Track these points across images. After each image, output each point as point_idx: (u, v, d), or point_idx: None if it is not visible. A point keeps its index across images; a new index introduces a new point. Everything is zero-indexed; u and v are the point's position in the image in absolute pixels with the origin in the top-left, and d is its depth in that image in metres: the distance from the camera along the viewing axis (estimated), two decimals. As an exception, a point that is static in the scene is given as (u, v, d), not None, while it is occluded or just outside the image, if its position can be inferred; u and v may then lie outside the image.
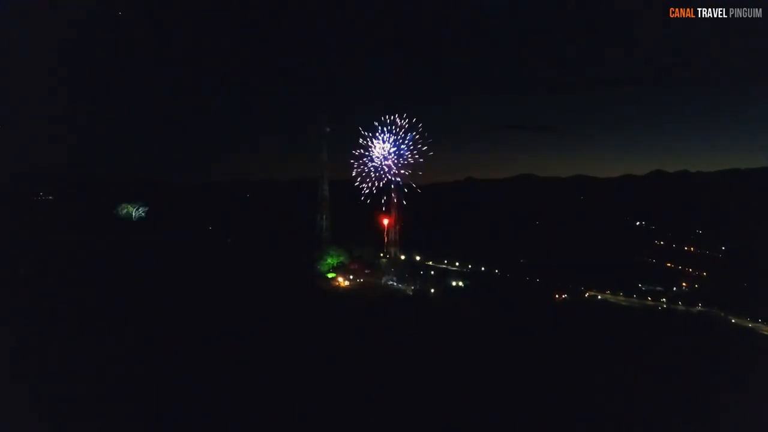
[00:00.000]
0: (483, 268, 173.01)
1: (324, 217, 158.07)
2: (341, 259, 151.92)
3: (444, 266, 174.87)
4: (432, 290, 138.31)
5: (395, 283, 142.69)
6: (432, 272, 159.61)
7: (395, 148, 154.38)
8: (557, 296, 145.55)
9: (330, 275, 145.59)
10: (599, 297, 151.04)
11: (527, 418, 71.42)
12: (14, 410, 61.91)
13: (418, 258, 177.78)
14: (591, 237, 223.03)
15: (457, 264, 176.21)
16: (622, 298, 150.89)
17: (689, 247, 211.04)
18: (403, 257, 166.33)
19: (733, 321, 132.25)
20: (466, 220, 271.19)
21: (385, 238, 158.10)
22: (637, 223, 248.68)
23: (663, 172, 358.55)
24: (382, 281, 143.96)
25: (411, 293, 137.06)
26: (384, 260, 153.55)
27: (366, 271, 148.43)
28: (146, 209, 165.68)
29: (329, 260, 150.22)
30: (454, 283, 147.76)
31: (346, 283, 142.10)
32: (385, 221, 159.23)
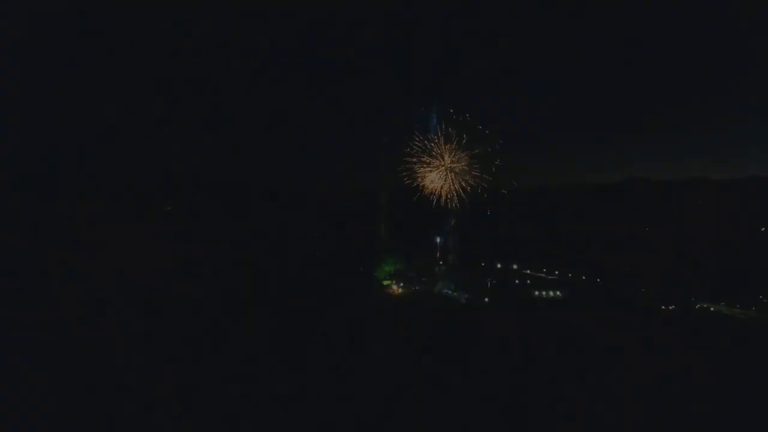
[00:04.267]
0: (584, 277, 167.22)
1: (383, 225, 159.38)
2: (398, 266, 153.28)
3: (543, 275, 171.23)
4: (486, 299, 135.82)
5: (450, 291, 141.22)
6: (517, 281, 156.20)
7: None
8: (663, 307, 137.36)
9: (386, 282, 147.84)
10: (712, 309, 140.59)
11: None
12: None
13: (515, 266, 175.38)
14: (707, 244, 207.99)
15: (556, 272, 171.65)
16: (738, 311, 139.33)
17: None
18: (487, 264, 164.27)
19: None
20: (572, 226, 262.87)
21: (439, 248, 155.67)
22: (763, 229, 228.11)
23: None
24: (435, 289, 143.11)
25: (464, 302, 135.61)
26: (443, 268, 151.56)
27: (423, 279, 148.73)
28: None
29: (386, 268, 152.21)
30: (546, 293, 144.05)
31: (400, 290, 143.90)
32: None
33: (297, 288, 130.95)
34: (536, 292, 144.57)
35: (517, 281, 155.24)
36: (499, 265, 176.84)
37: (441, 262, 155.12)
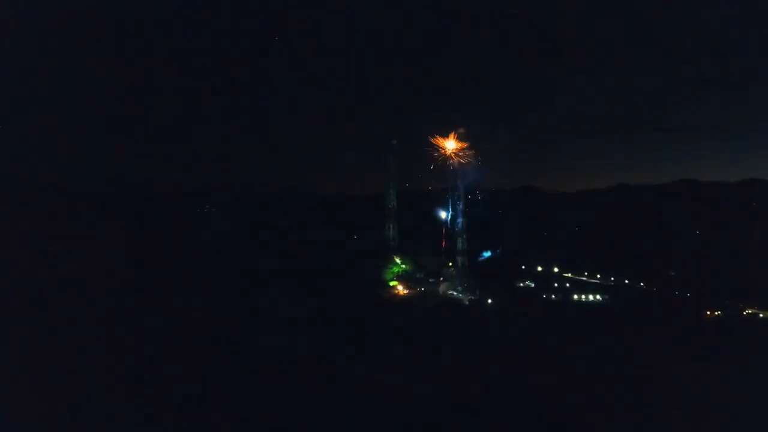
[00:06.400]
0: (627, 281, 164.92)
1: (391, 227, 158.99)
2: (406, 267, 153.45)
3: (584, 278, 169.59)
4: (489, 300, 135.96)
5: (454, 293, 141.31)
6: (557, 284, 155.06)
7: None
8: (708, 313, 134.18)
9: (392, 283, 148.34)
10: (761, 315, 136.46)
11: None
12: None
13: (556, 270, 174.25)
14: (758, 247, 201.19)
15: (598, 276, 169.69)
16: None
17: None
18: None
19: None
20: (615, 228, 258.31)
21: (449, 246, 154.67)
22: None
23: None
24: (440, 290, 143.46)
25: (467, 303, 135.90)
26: (452, 270, 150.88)
27: (430, 280, 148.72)
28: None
29: (394, 269, 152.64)
30: (586, 297, 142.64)
31: (405, 291, 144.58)
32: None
33: (301, 288, 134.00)
34: (575, 296, 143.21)
35: (556, 284, 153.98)
36: (539, 268, 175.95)
37: (450, 264, 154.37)
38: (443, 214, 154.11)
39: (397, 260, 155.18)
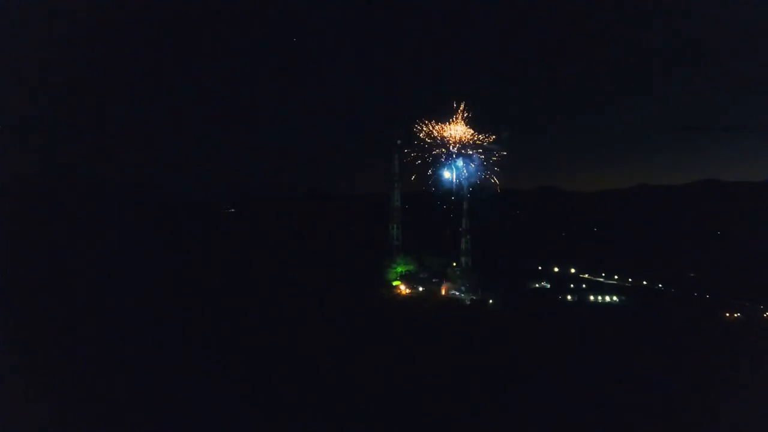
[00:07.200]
0: (645, 282, 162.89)
1: (396, 227, 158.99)
2: (410, 267, 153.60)
3: (601, 279, 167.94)
4: (491, 301, 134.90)
5: (456, 293, 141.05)
6: (573, 285, 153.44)
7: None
8: (727, 315, 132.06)
9: (395, 283, 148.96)
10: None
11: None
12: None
13: (573, 270, 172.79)
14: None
15: (615, 277, 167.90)
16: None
17: None
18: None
19: None
20: (635, 229, 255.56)
21: (461, 247, 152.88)
22: None
23: None
24: (442, 290, 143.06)
25: (468, 303, 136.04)
26: (457, 270, 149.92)
27: (434, 280, 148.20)
28: None
29: (398, 269, 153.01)
30: (602, 298, 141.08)
31: (408, 291, 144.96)
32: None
33: (303, 287, 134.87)
34: (591, 297, 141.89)
35: (572, 285, 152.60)
36: (556, 269, 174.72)
37: (454, 264, 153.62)
38: (448, 214, 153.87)
39: (402, 260, 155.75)
